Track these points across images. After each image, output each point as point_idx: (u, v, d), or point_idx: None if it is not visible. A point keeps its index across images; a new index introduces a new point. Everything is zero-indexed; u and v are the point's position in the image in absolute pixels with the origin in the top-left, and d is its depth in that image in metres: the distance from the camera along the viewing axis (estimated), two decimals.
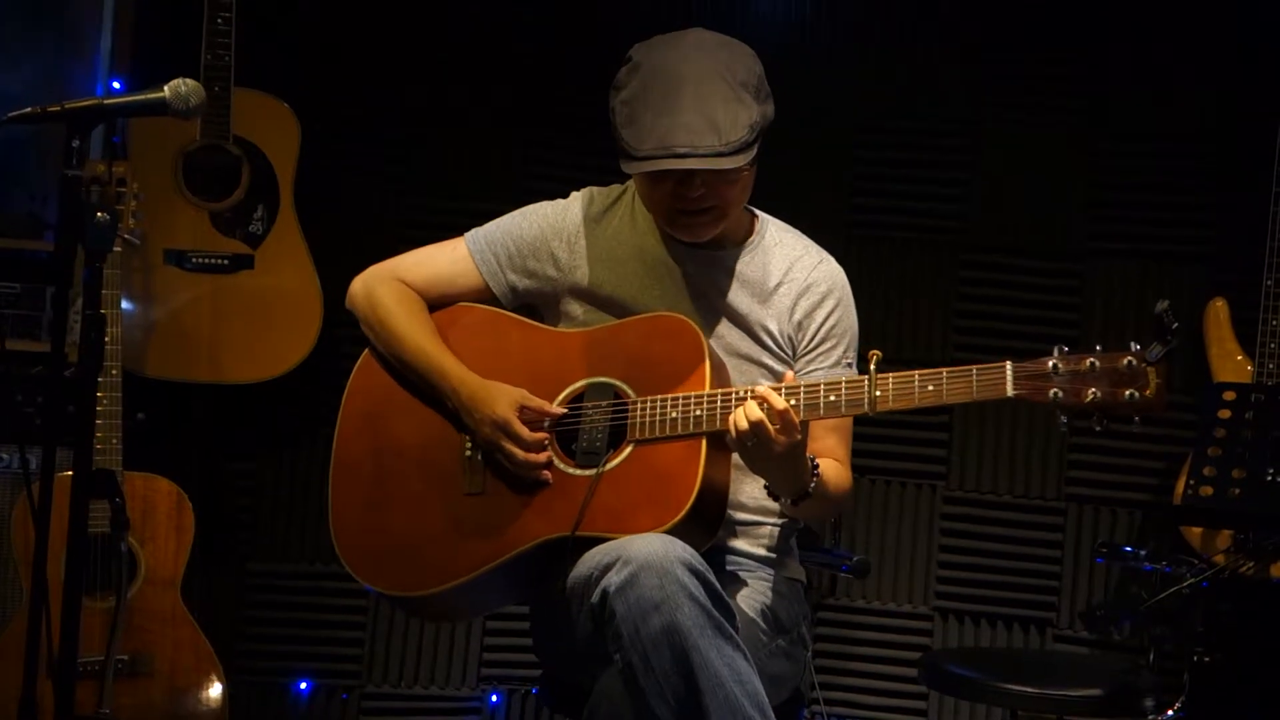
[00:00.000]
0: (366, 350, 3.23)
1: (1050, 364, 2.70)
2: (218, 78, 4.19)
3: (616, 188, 3.24)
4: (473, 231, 3.24)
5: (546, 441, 2.97)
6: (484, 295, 3.21)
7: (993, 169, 4.67)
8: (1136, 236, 4.59)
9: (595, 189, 3.26)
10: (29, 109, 2.55)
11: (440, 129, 4.68)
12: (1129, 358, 2.67)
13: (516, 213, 3.25)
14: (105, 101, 2.59)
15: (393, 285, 3.20)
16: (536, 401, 2.99)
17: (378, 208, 4.64)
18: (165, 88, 2.63)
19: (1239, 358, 4.31)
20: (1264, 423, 3.51)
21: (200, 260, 4.28)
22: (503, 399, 2.99)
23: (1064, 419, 2.71)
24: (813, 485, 2.87)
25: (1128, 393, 2.66)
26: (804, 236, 3.23)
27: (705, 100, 2.93)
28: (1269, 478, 3.45)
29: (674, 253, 3.13)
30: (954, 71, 4.69)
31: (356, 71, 4.63)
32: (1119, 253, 4.60)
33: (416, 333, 3.14)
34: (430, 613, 3.41)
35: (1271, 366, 4.22)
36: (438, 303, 3.21)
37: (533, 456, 2.95)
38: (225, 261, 4.29)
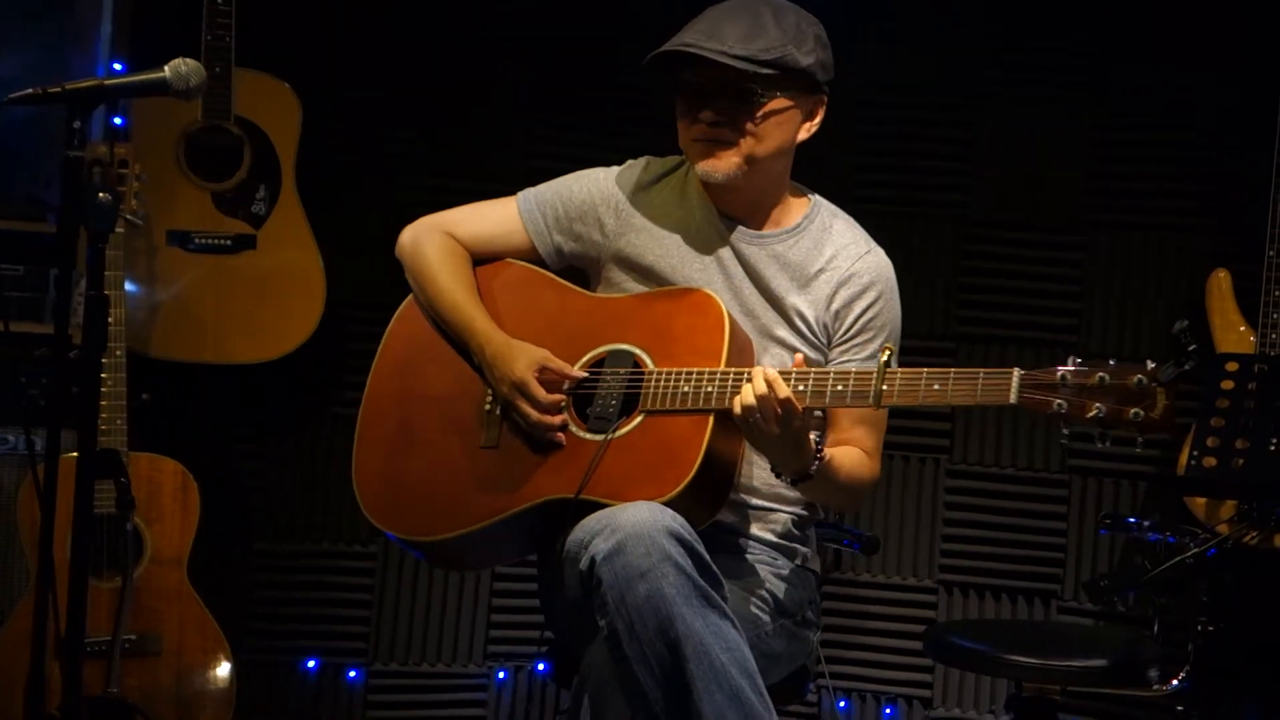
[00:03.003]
0: (410, 297, 3.28)
1: (1059, 374, 2.65)
2: (218, 58, 4.18)
3: (674, 158, 3.24)
4: (525, 191, 3.28)
5: (564, 404, 3.00)
6: (530, 254, 3.25)
7: (995, 143, 4.67)
8: (1139, 209, 4.59)
9: (653, 158, 3.28)
10: (30, 90, 2.55)
11: (443, 108, 4.67)
12: (1140, 376, 2.61)
13: (571, 175, 3.28)
14: (106, 82, 2.59)
15: (439, 238, 3.24)
16: (558, 363, 3.01)
17: (380, 188, 4.63)
18: (166, 68, 2.63)
19: (1241, 328, 4.31)
20: (1267, 393, 3.51)
21: (203, 241, 4.28)
22: (523, 359, 3.02)
23: (1066, 431, 2.68)
24: (814, 468, 2.86)
25: (1133, 411, 2.61)
26: (857, 225, 3.22)
27: (727, 17, 3.01)
28: (1272, 448, 3.45)
29: (719, 229, 3.14)
30: (955, 46, 4.68)
31: (358, 51, 4.62)
32: (1121, 225, 4.59)
33: (452, 287, 3.18)
34: (439, 559, 3.45)
35: (1274, 337, 4.22)
36: (483, 259, 3.25)
37: (546, 418, 2.98)
38: (228, 242, 4.29)
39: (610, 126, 4.56)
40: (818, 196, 3.23)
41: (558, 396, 2.99)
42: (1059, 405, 2.65)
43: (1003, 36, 4.66)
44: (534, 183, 3.31)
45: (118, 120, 4.23)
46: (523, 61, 4.68)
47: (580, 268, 3.27)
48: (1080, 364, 2.66)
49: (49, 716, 2.65)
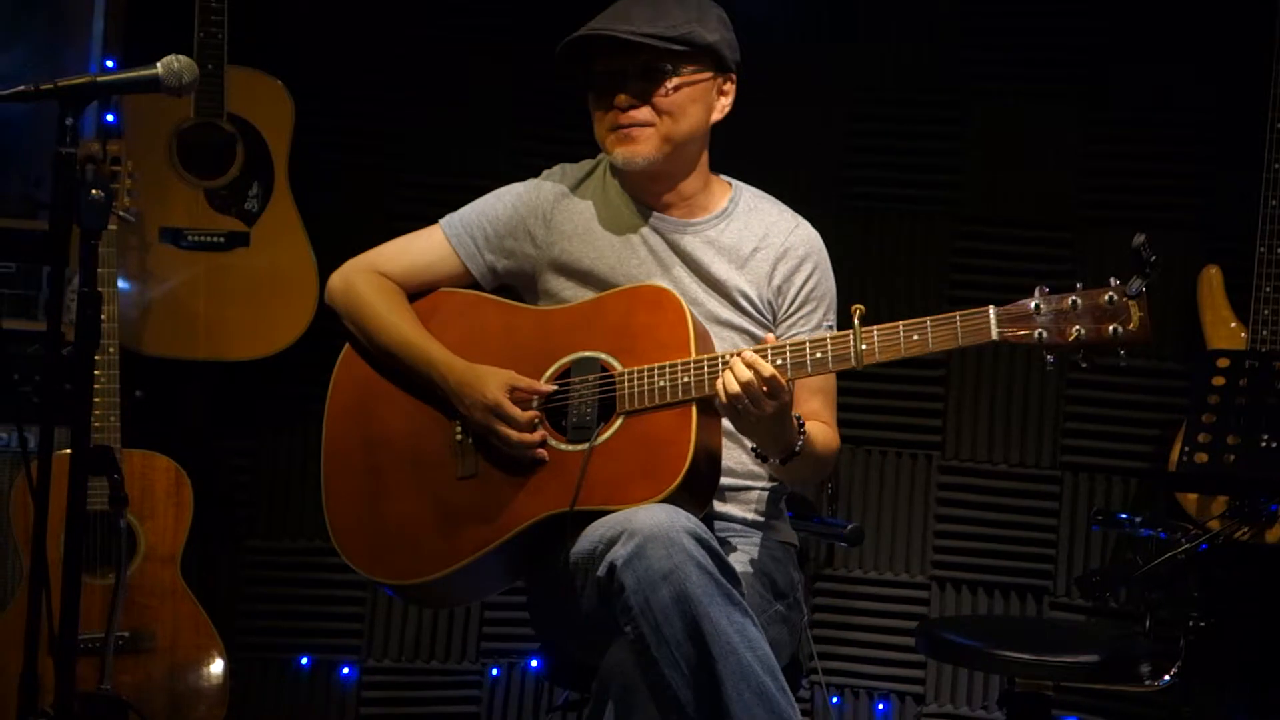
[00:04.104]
0: (348, 344, 3.24)
1: (1033, 305, 2.72)
2: (211, 55, 4.18)
3: (588, 162, 3.27)
4: (447, 217, 3.27)
5: (538, 420, 2.98)
6: (464, 279, 3.24)
7: (986, 138, 4.67)
8: (1130, 204, 4.59)
9: (567, 164, 3.30)
10: (22, 87, 2.56)
11: (435, 105, 4.67)
12: (1110, 293, 2.71)
13: (490, 195, 3.28)
14: (98, 79, 2.60)
15: (371, 278, 3.22)
16: (526, 381, 3.00)
17: (374, 184, 4.63)
18: (158, 64, 2.64)
19: (1233, 325, 4.31)
20: (1258, 389, 3.53)
21: (196, 238, 4.28)
22: (492, 381, 3.00)
23: (1050, 358, 2.73)
24: (799, 444, 2.89)
25: (1112, 328, 2.69)
26: (779, 202, 3.26)
27: (631, 5, 3.06)
28: (1263, 443, 3.47)
29: (648, 222, 3.16)
30: (946, 42, 4.68)
31: (351, 48, 4.62)
32: (1112, 221, 4.59)
33: (398, 324, 3.15)
34: (431, 599, 3.43)
35: (1265, 333, 4.22)
36: (418, 290, 3.23)
37: (527, 436, 2.96)
38: (221, 239, 4.29)
39: None
40: (738, 181, 3.26)
41: (532, 414, 2.98)
42: (1040, 334, 2.72)
43: (993, 33, 4.66)
44: (527, 176, 3.31)
45: (110, 117, 4.20)
46: (516, 59, 4.68)
47: (513, 285, 3.27)
48: (1049, 292, 2.72)
49: (42, 713, 2.65)
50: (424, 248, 3.25)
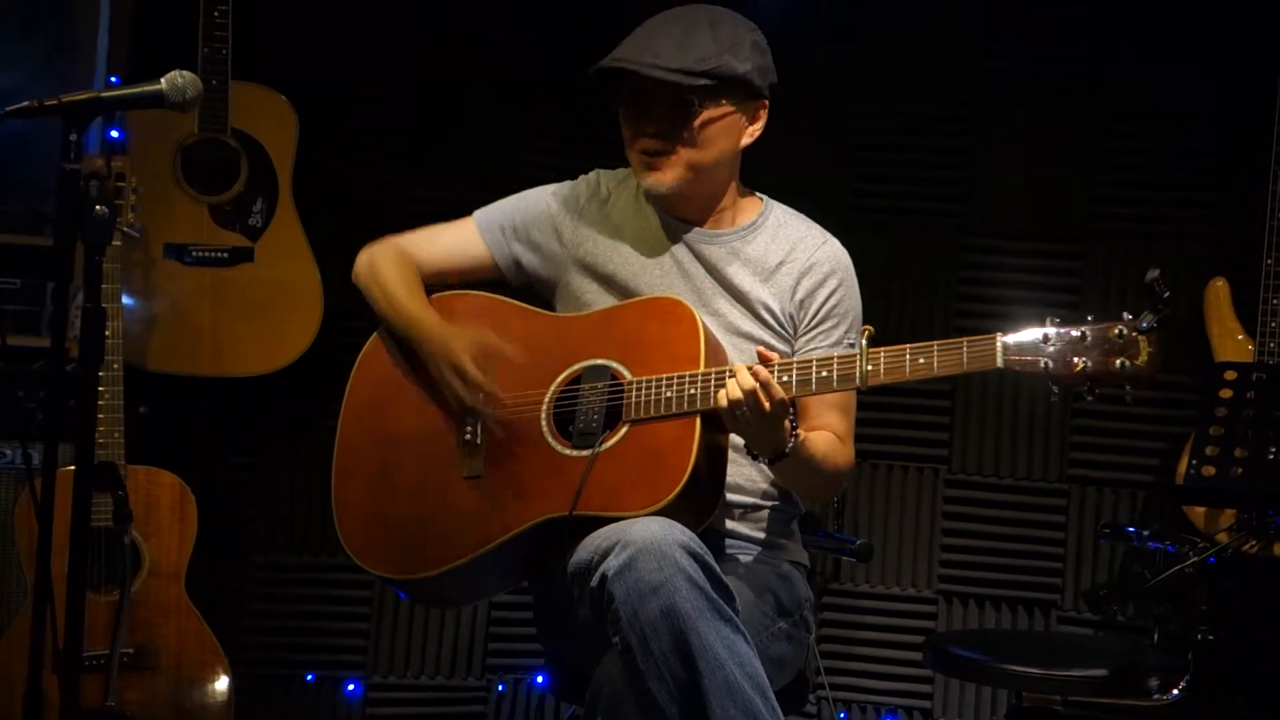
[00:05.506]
0: (373, 337, 3.27)
1: (1041, 334, 2.71)
2: (215, 70, 4.19)
3: (623, 171, 3.28)
4: (481, 209, 3.30)
5: (543, 414, 2.99)
6: (488, 269, 3.27)
7: (992, 151, 4.67)
8: (1136, 216, 4.59)
9: (603, 171, 3.31)
10: (26, 103, 2.56)
11: (439, 120, 4.68)
12: (1120, 327, 2.69)
13: (525, 191, 3.31)
14: (102, 94, 2.60)
15: (394, 254, 3.26)
16: (495, 341, 3.03)
17: (376, 199, 4.63)
18: (162, 80, 2.64)
19: (1240, 337, 4.31)
20: (1266, 402, 3.52)
21: (200, 254, 4.28)
22: (458, 341, 3.05)
23: (1055, 389, 2.73)
24: (789, 446, 2.87)
25: (1119, 362, 2.68)
26: (809, 220, 3.26)
27: (660, 30, 3.04)
28: (1271, 456, 3.46)
29: (676, 234, 3.17)
30: (953, 54, 4.69)
31: (354, 62, 4.62)
32: (1119, 233, 4.59)
33: (399, 291, 3.19)
34: (432, 597, 3.43)
35: (1273, 345, 4.22)
36: (442, 276, 3.27)
37: (477, 394, 3.01)
38: (225, 255, 4.29)
39: (607, 136, 4.55)
40: (769, 198, 3.27)
41: (492, 379, 3.01)
42: (1045, 364, 2.71)
43: (999, 44, 4.66)
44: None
45: (115, 133, 4.23)
46: (520, 72, 4.68)
47: (536, 284, 3.28)
48: (1059, 322, 2.71)
49: None
50: (454, 234, 3.28)
